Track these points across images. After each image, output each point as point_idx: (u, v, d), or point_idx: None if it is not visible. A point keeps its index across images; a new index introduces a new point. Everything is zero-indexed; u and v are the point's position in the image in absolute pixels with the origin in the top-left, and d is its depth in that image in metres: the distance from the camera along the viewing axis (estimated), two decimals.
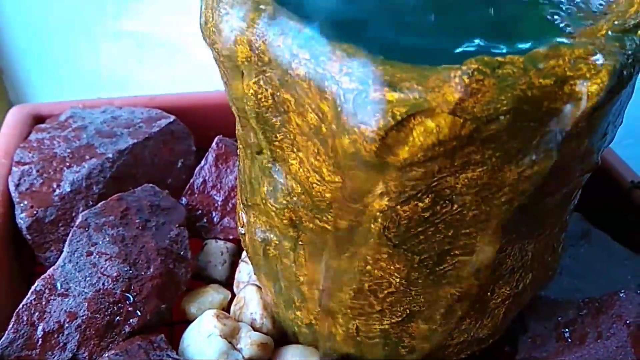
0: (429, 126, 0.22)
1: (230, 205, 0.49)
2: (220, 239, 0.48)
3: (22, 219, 0.43)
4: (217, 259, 0.46)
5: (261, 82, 0.25)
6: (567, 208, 0.31)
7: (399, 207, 0.25)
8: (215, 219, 0.49)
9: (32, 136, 0.49)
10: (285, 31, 0.24)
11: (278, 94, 0.25)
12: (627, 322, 0.38)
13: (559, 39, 0.22)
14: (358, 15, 0.24)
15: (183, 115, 0.55)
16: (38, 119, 0.53)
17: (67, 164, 0.46)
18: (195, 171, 0.51)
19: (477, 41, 0.23)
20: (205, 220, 0.49)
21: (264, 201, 0.31)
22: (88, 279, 0.38)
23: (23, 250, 0.44)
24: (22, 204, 0.44)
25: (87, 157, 0.47)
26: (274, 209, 0.30)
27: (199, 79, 0.62)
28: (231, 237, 0.48)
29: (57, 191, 0.44)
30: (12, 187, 0.44)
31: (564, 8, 0.25)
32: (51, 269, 0.39)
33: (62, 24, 0.70)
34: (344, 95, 0.22)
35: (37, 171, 0.45)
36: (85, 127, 0.50)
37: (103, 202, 0.43)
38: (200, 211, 0.49)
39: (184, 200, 0.50)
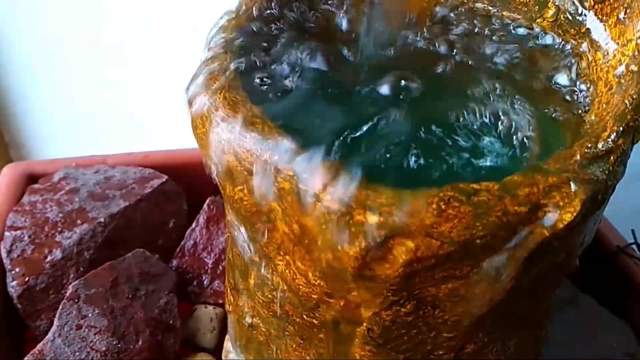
0: (409, 246, 0.22)
1: (220, 268, 0.50)
2: (210, 303, 0.48)
3: (13, 287, 0.43)
4: (207, 326, 0.46)
5: (246, 191, 0.26)
6: (550, 302, 0.31)
7: (382, 312, 0.26)
8: (205, 282, 0.49)
9: (25, 199, 0.50)
10: (272, 147, 0.24)
11: (264, 202, 0.26)
12: None
13: (533, 165, 0.23)
14: (344, 134, 0.25)
15: (176, 172, 0.55)
16: (32, 178, 0.53)
17: (59, 229, 0.47)
18: (186, 233, 0.51)
19: (454, 160, 0.24)
20: (195, 283, 0.49)
21: (251, 292, 0.31)
22: (77, 354, 0.38)
23: (13, 317, 0.44)
24: (13, 272, 0.44)
25: (79, 221, 0.47)
26: (261, 301, 0.30)
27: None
28: (220, 301, 0.48)
29: (49, 258, 0.45)
30: (3, 254, 0.45)
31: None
32: (41, 343, 0.39)
33: (61, 70, 0.71)
34: (326, 213, 0.23)
35: (29, 237, 0.46)
36: (78, 189, 0.50)
37: (93, 271, 0.43)
38: (190, 274, 0.50)
39: (174, 262, 0.50)
